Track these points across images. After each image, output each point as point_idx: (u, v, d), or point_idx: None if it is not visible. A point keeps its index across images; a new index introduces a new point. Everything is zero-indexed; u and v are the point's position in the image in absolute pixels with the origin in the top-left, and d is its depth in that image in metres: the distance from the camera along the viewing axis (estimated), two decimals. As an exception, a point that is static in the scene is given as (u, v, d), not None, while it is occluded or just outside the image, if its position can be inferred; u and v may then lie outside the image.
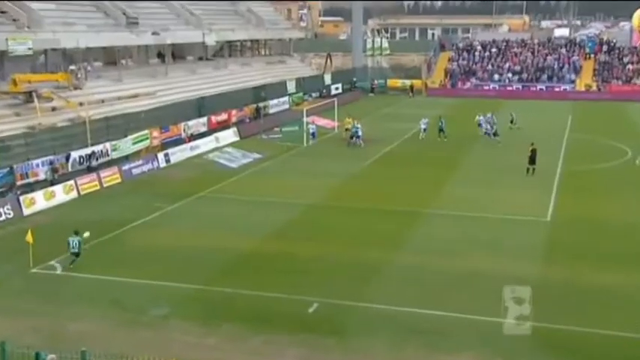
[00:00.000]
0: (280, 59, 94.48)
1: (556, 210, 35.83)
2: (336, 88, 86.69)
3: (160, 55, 73.45)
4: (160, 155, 49.03)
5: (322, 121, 64.46)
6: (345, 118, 59.58)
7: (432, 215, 34.92)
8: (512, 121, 61.44)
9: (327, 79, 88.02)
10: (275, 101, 70.60)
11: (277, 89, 73.22)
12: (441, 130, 56.33)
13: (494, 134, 55.22)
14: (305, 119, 57.67)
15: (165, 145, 51.21)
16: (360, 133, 54.22)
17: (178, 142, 52.82)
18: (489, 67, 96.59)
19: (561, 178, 43.50)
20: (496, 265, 26.91)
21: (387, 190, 40.40)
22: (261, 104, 66.91)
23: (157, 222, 34.30)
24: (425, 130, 57.50)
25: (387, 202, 37.50)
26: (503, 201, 37.52)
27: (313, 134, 57.41)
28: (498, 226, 32.97)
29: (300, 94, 77.50)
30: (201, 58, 79.99)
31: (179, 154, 50.97)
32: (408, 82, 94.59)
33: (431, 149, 53.09)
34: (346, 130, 56.98)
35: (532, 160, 44.04)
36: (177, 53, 75.79)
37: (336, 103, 64.33)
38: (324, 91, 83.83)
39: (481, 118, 59.16)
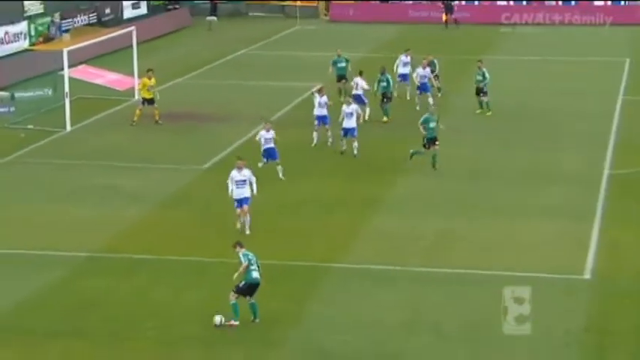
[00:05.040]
0: None
1: (601, 257, 19.96)
2: (135, 6, 50.14)
3: None
4: None
5: (104, 77, 34.22)
6: (148, 74, 30.73)
7: (347, 274, 19.52)
8: (481, 81, 32.07)
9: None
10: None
11: None
12: (385, 97, 30.81)
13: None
14: (67, 72, 30.21)
15: None
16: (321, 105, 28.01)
17: None
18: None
19: (609, 188, 24.57)
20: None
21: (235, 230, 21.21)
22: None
23: None
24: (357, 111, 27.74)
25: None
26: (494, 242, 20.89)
27: None
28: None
29: (53, 18, 42.53)
30: None
31: None
32: None
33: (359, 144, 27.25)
34: (144, 100, 30.39)
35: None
36: None
37: (134, 37, 34.62)
38: (108, 11, 47.44)
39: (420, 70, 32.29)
